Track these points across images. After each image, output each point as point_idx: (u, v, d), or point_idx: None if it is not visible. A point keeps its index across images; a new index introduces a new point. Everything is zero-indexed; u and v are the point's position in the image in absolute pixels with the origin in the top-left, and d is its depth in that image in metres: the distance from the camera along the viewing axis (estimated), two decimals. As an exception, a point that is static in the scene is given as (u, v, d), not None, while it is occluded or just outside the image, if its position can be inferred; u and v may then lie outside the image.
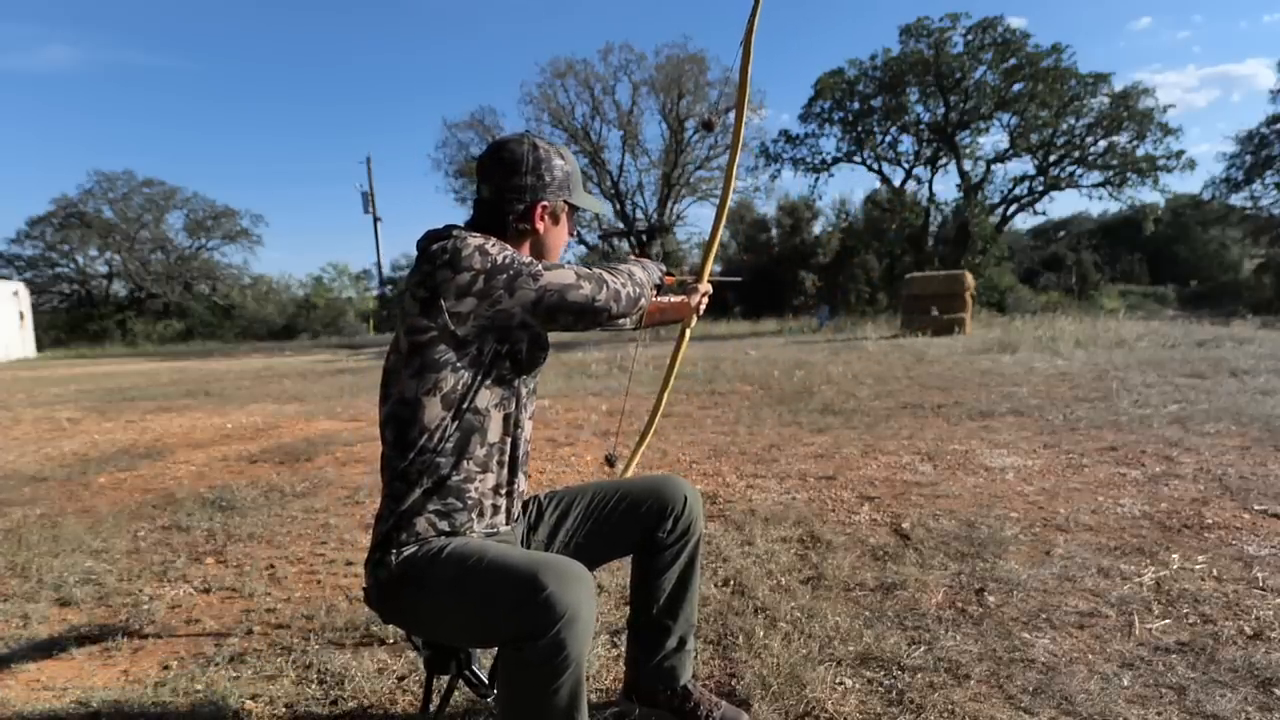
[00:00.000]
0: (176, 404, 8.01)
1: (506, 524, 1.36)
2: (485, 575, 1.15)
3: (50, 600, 2.39)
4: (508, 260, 1.21)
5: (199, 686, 1.80)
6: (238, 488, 3.81)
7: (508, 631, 1.10)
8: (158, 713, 1.70)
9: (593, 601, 1.12)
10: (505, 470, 1.33)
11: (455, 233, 1.26)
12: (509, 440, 1.33)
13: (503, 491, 1.34)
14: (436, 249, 1.22)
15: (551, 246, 1.39)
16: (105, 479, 4.26)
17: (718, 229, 1.96)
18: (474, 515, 1.29)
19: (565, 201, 1.38)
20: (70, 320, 33.14)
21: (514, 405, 1.32)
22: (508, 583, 1.12)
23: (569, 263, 1.32)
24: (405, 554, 1.25)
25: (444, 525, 1.26)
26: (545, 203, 1.34)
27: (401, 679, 1.79)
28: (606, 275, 1.31)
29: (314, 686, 1.78)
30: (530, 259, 1.25)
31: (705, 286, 1.88)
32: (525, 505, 1.48)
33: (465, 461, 1.27)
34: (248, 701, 1.71)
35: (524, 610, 1.08)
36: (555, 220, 1.38)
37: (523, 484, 1.39)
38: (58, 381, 12.15)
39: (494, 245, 1.23)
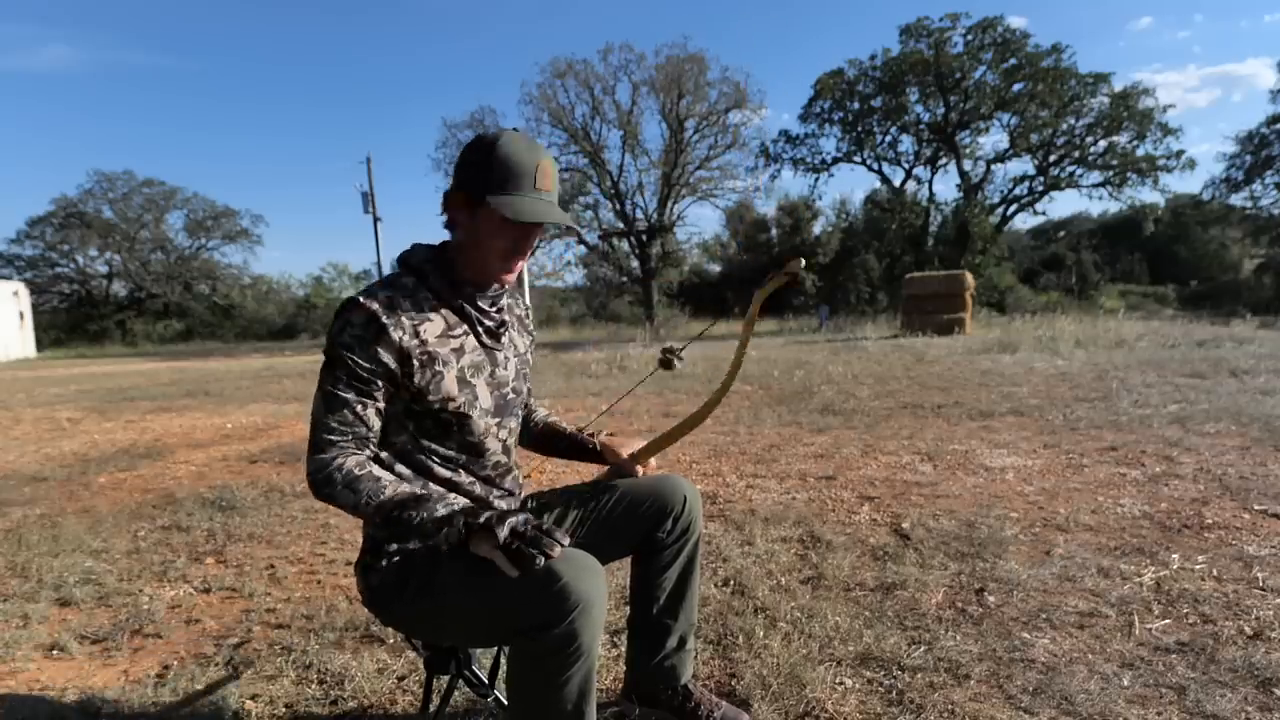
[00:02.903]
0: (176, 404, 8.01)
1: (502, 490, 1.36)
2: (495, 570, 1.15)
3: (50, 600, 2.39)
4: (336, 322, 1.19)
5: (199, 686, 1.79)
6: (238, 488, 3.81)
7: (522, 623, 1.10)
8: (158, 713, 1.70)
9: (605, 592, 1.13)
10: (482, 486, 1.32)
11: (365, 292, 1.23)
12: (472, 465, 1.31)
13: (490, 499, 1.33)
14: None
15: (474, 244, 1.23)
16: (105, 479, 4.26)
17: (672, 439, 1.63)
18: None
19: (487, 198, 1.18)
20: (70, 320, 33.19)
21: (456, 451, 1.29)
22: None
23: (340, 384, 1.18)
24: (397, 560, 1.25)
25: None
26: (461, 193, 1.21)
27: (401, 679, 1.78)
28: (322, 430, 1.18)
29: (314, 686, 1.77)
30: (342, 339, 1.17)
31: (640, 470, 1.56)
32: (523, 504, 1.48)
33: (430, 483, 1.26)
34: (248, 701, 1.71)
35: (538, 600, 1.08)
36: (471, 216, 1.21)
37: (511, 487, 1.38)
38: (58, 381, 12.16)
39: (350, 320, 1.18)
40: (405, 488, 1.15)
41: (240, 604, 2.33)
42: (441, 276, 1.26)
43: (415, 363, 1.20)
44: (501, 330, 1.34)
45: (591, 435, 1.56)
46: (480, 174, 1.19)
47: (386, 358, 1.18)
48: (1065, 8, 79.52)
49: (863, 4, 69.44)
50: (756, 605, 2.10)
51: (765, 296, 1.55)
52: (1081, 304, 24.78)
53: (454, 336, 1.26)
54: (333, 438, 1.17)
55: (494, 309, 1.32)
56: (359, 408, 1.18)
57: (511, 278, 1.29)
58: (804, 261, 1.51)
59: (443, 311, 1.26)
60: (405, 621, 1.28)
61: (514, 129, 1.23)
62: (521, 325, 1.44)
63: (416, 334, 1.20)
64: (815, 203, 33.10)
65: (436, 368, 1.22)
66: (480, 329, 1.30)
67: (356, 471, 1.15)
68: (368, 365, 1.17)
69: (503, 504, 1.34)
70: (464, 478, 1.29)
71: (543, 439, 1.58)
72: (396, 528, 1.12)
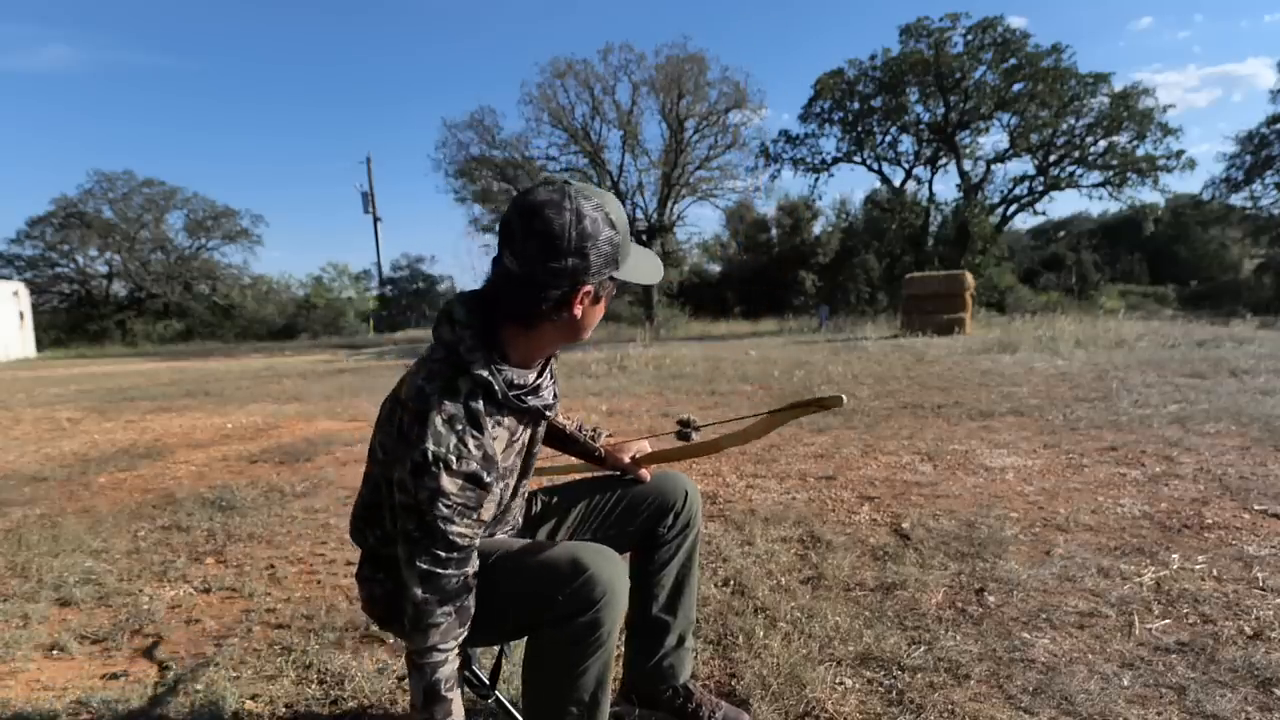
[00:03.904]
0: (176, 404, 8.01)
1: (508, 528, 1.36)
2: (520, 567, 1.16)
3: (50, 600, 2.39)
4: (423, 489, 1.02)
5: (199, 686, 1.79)
6: (238, 488, 3.80)
7: (550, 616, 1.11)
8: (158, 713, 1.70)
9: (627, 583, 1.14)
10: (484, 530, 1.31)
11: (431, 395, 1.06)
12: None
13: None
14: (412, 393, 1.08)
15: (586, 326, 1.16)
16: (105, 479, 4.26)
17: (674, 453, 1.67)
18: None
19: (611, 278, 1.12)
20: (70, 320, 33.13)
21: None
22: (547, 568, 1.13)
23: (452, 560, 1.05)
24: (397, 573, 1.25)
25: None
26: (588, 287, 1.08)
27: (401, 679, 1.78)
28: (434, 611, 1.05)
29: (314, 686, 1.78)
30: (439, 512, 1.03)
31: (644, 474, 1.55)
32: (529, 502, 1.49)
33: None
34: (248, 701, 1.71)
35: (567, 591, 1.09)
36: (596, 300, 1.13)
37: (512, 523, 1.36)
38: (58, 381, 12.15)
39: (445, 490, 1.02)
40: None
41: (240, 604, 2.33)
42: (503, 378, 1.12)
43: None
44: (556, 400, 1.25)
45: (593, 438, 1.57)
46: (600, 257, 1.07)
47: (488, 512, 1.09)
48: (1065, 8, 79.50)
49: (863, 4, 69.49)
50: (756, 605, 2.10)
51: (794, 417, 1.56)
52: (1081, 304, 24.75)
53: (515, 440, 1.19)
54: (438, 621, 1.06)
55: (550, 378, 1.24)
56: (461, 579, 1.08)
57: None
58: (844, 399, 1.46)
59: (506, 420, 1.14)
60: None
61: (564, 184, 1.08)
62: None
63: (499, 466, 1.12)
64: (815, 203, 33.06)
65: (503, 479, 1.17)
66: (546, 412, 1.21)
67: (442, 690, 1.06)
68: (472, 531, 1.06)
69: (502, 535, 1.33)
70: None
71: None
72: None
